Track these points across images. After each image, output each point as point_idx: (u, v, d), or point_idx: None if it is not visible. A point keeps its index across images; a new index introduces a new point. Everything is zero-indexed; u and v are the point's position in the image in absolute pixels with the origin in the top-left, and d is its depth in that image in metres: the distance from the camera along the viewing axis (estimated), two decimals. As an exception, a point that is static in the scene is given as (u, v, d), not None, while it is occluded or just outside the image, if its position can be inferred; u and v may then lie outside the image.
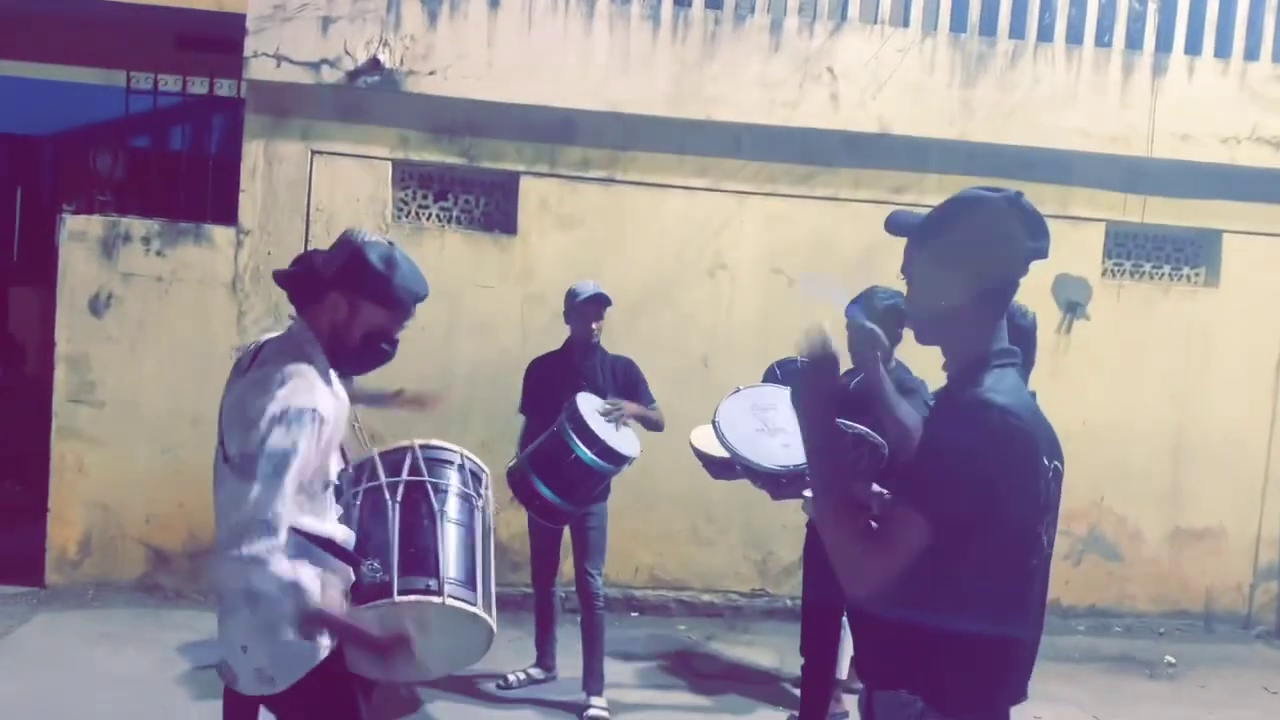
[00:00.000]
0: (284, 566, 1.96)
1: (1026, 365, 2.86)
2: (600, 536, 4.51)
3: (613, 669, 4.92)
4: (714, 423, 2.30)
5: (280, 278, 2.27)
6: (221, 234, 5.63)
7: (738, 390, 2.52)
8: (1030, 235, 1.92)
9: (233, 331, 5.62)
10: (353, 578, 2.19)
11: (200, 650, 4.78)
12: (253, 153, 5.62)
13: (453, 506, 2.38)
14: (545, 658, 4.71)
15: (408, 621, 2.23)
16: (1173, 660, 5.74)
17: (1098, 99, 5.93)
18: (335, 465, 2.17)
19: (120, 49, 6.19)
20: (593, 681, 4.48)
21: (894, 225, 2.03)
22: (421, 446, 2.45)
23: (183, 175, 5.94)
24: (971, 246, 1.90)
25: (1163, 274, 6.34)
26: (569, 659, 4.66)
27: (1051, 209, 6.00)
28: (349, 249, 2.16)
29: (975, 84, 5.86)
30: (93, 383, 5.58)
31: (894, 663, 1.96)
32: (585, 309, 4.43)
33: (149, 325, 5.60)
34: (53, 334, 5.62)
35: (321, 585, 2.07)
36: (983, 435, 1.83)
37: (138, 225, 5.61)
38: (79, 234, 5.57)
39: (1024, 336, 2.83)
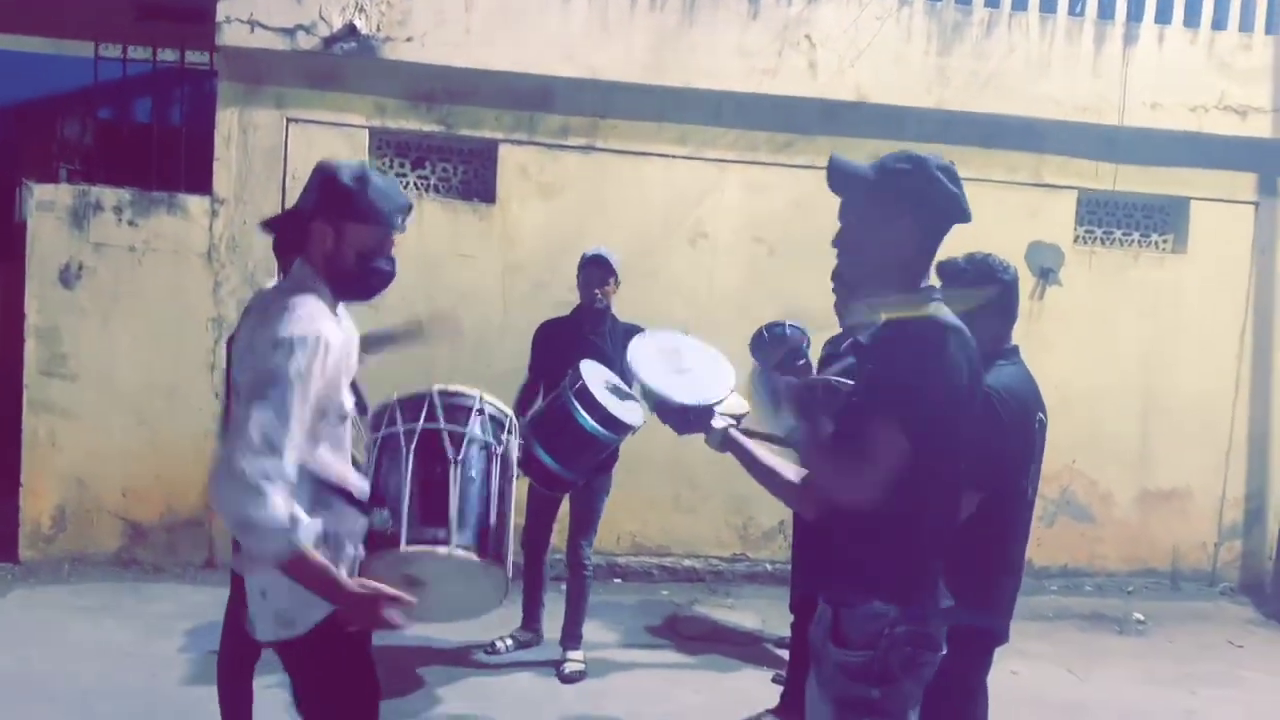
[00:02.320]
0: (283, 496, 1.91)
1: (1008, 318, 2.91)
2: (598, 510, 4.54)
3: (598, 632, 4.96)
4: (627, 361, 2.42)
5: (267, 225, 2.30)
6: (196, 203, 5.54)
7: (643, 333, 2.63)
8: (964, 196, 2.12)
9: (209, 302, 5.55)
10: (366, 528, 2.18)
11: (181, 622, 4.75)
12: (227, 120, 5.53)
13: (468, 455, 2.36)
14: (533, 621, 4.72)
15: (417, 575, 2.22)
16: (1141, 617, 5.89)
17: (1070, 68, 6.01)
18: (349, 398, 2.16)
19: (87, 20, 6.04)
20: (570, 639, 4.53)
21: (839, 174, 2.13)
22: (440, 392, 2.42)
23: (154, 145, 5.82)
24: (921, 199, 2.08)
25: (1132, 241, 6.46)
26: (553, 623, 4.68)
27: (1025, 176, 6.11)
28: (320, 176, 2.16)
29: (951, 52, 5.90)
30: (64, 355, 5.49)
31: (867, 578, 2.06)
32: (587, 273, 4.43)
33: (122, 296, 5.51)
34: (19, 307, 5.51)
35: (326, 538, 2.04)
36: (939, 345, 2.02)
37: (109, 194, 5.50)
38: (47, 203, 5.46)
39: (1006, 290, 2.89)
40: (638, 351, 2.48)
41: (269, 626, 2.10)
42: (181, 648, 4.46)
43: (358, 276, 2.19)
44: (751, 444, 2.29)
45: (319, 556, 1.99)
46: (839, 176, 2.13)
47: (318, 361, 1.99)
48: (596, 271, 4.41)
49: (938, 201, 2.08)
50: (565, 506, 4.64)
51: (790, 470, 2.26)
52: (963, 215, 2.12)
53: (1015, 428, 2.78)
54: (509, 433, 2.50)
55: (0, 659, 4.26)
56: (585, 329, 4.43)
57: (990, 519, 2.68)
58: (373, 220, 2.16)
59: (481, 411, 2.43)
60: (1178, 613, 6.06)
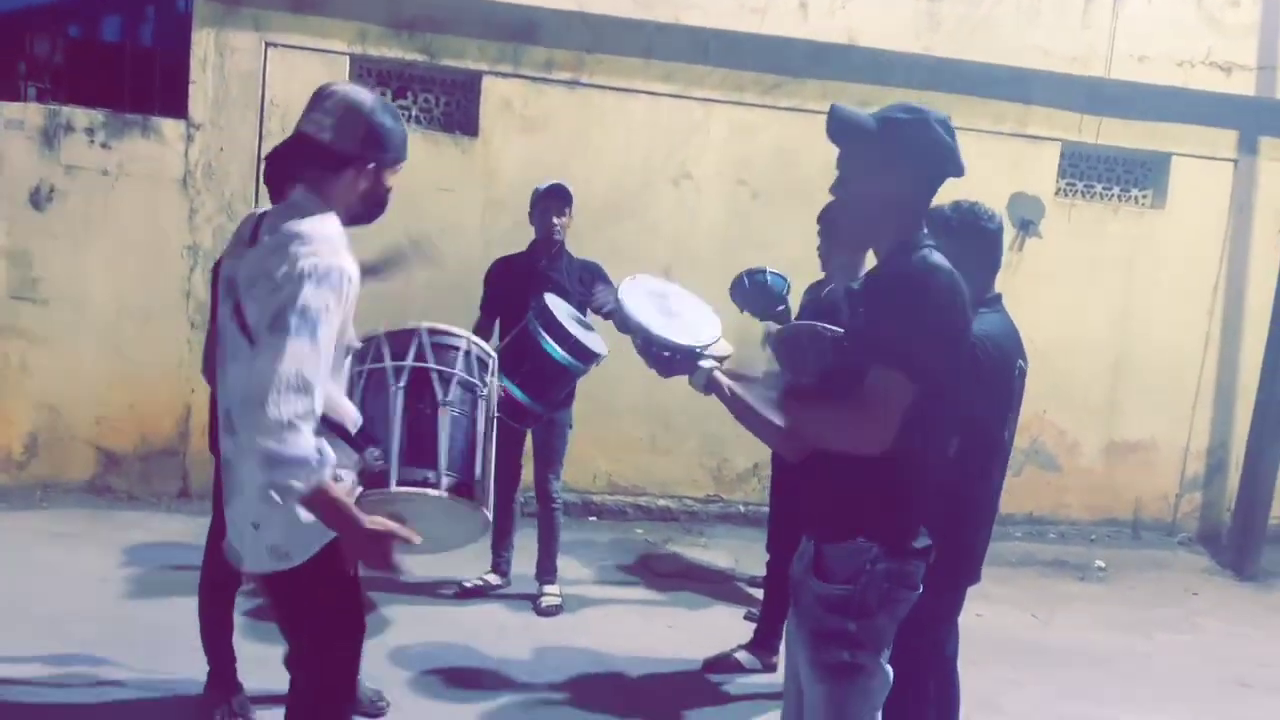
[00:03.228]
0: (313, 436, 1.90)
1: (992, 268, 2.93)
2: (562, 443, 4.55)
3: (573, 569, 5.03)
4: (619, 301, 2.43)
5: (286, 158, 2.18)
6: (171, 127, 5.42)
7: (633, 277, 2.65)
8: (958, 150, 2.15)
9: (184, 229, 5.46)
10: (357, 464, 2.17)
11: (156, 550, 4.75)
12: (203, 42, 5.39)
13: (456, 395, 2.37)
14: (501, 564, 4.74)
15: (402, 513, 2.23)
16: (1103, 564, 6.05)
17: (1060, 17, 5.98)
18: (352, 331, 2.14)
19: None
20: (545, 573, 4.58)
21: (840, 123, 2.12)
22: (429, 331, 2.41)
23: (127, 65, 5.66)
24: (920, 151, 2.11)
25: (1113, 195, 6.49)
26: (526, 559, 4.73)
27: (1010, 127, 6.10)
28: (363, 120, 2.10)
29: (943, -4, 5.85)
30: (35, 279, 5.39)
31: (851, 514, 2.11)
32: (545, 202, 4.39)
33: (95, 220, 5.40)
34: (-14, 230, 5.39)
35: (335, 471, 2.04)
36: (938, 289, 2.05)
37: (80, 115, 5.36)
38: (16, 122, 5.31)
39: (990, 239, 2.90)
40: (630, 293, 2.50)
41: (261, 559, 2.10)
42: (156, 574, 4.46)
43: (372, 207, 2.19)
44: (736, 386, 2.31)
45: (339, 491, 1.99)
46: (840, 125, 2.13)
47: (341, 295, 1.96)
48: (554, 202, 4.38)
49: (936, 153, 2.11)
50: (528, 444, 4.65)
51: (774, 413, 2.29)
52: (957, 169, 2.15)
53: (996, 375, 2.81)
54: (491, 374, 2.51)
55: (-25, 582, 4.26)
56: (541, 264, 4.41)
57: (968, 464, 2.72)
58: (400, 157, 2.18)
59: (468, 353, 2.44)
60: (1138, 561, 6.23)
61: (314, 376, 1.90)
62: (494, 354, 2.58)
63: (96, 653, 3.65)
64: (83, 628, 3.86)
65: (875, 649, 2.15)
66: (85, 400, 5.50)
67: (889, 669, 2.19)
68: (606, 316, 4.36)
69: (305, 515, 1.96)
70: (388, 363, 2.35)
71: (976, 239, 2.85)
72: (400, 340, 2.41)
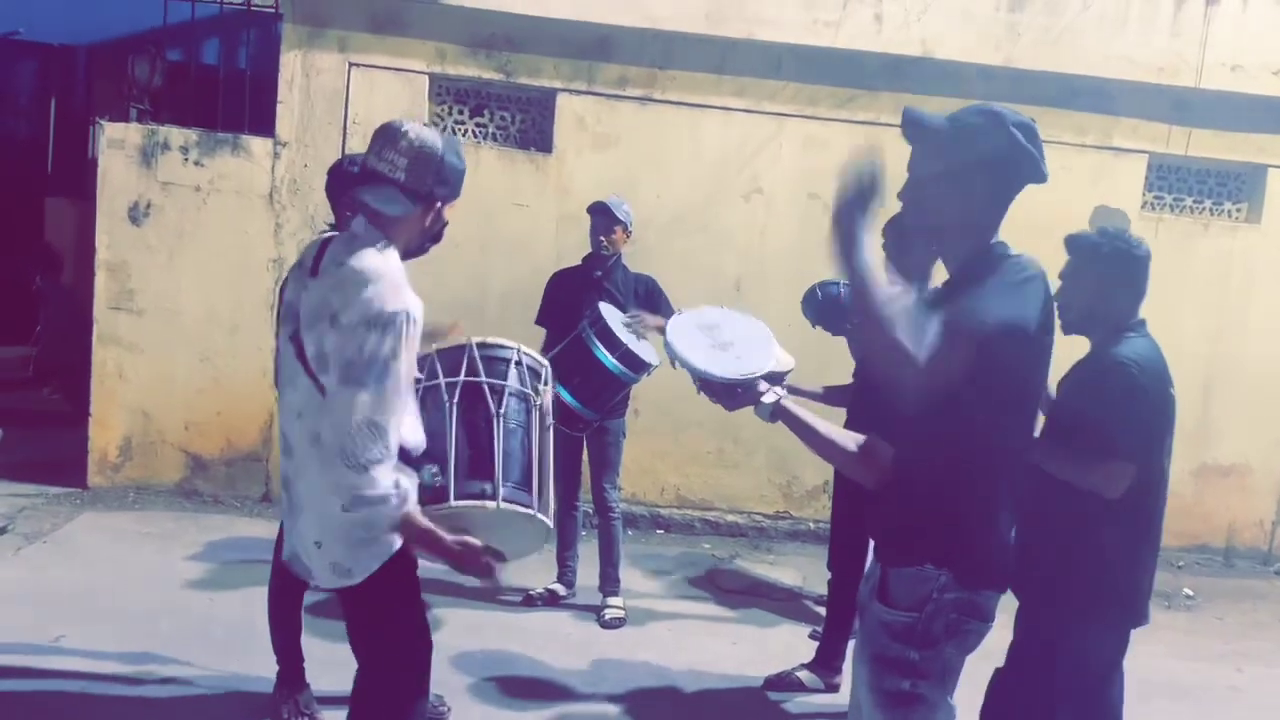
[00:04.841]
0: (391, 472, 2.01)
1: (1139, 294, 2.85)
2: (616, 452, 4.58)
3: (639, 582, 5.04)
4: (666, 343, 2.35)
5: (359, 193, 2.20)
6: (259, 145, 5.64)
7: (679, 312, 2.57)
8: (1041, 157, 2.05)
9: (270, 243, 5.67)
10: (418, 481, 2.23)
11: (237, 552, 4.92)
12: (290, 64, 5.60)
13: (510, 407, 2.41)
14: (567, 573, 4.78)
15: (465, 526, 2.28)
16: (1191, 593, 5.80)
17: (1147, 26, 5.80)
18: (414, 362, 2.20)
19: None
20: (608, 585, 4.60)
21: (912, 125, 2.06)
22: (478, 345, 2.46)
23: (220, 87, 5.93)
24: (994, 156, 2.01)
25: (1203, 208, 6.26)
26: (591, 570, 4.76)
27: (1094, 139, 5.93)
28: (434, 161, 2.16)
29: (1023, 7, 5.73)
30: (132, 290, 5.66)
31: (920, 540, 2.04)
32: (592, 221, 4.48)
33: (187, 234, 5.65)
34: (90, 244, 5.69)
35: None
36: (1022, 291, 1.95)
37: (176, 134, 5.63)
38: (117, 141, 5.60)
39: (1139, 265, 2.83)
40: (676, 331, 2.43)
41: (325, 575, 2.18)
42: (237, 575, 4.63)
43: (431, 240, 2.28)
44: (804, 412, 2.23)
45: (425, 520, 2.11)
46: (912, 127, 2.06)
47: (408, 338, 2.04)
48: (598, 219, 4.46)
49: (1012, 159, 2.01)
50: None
51: (846, 437, 2.23)
52: (1038, 175, 2.04)
53: (1159, 401, 2.73)
54: (544, 382, 2.54)
55: (70, 578, 4.48)
56: (596, 276, 4.47)
57: (1138, 494, 2.65)
58: (459, 193, 2.26)
59: (519, 363, 2.48)
60: (1229, 590, 5.96)
61: (386, 421, 2.01)
62: (546, 362, 2.61)
63: (174, 650, 3.80)
64: (164, 625, 4.02)
65: (938, 680, 2.06)
66: (176, 407, 5.74)
67: (953, 704, 2.11)
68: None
69: (364, 535, 2.07)
70: (441, 379, 2.40)
71: (1126, 265, 2.80)
72: (452, 357, 2.46)
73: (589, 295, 4.31)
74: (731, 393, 2.27)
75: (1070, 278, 2.84)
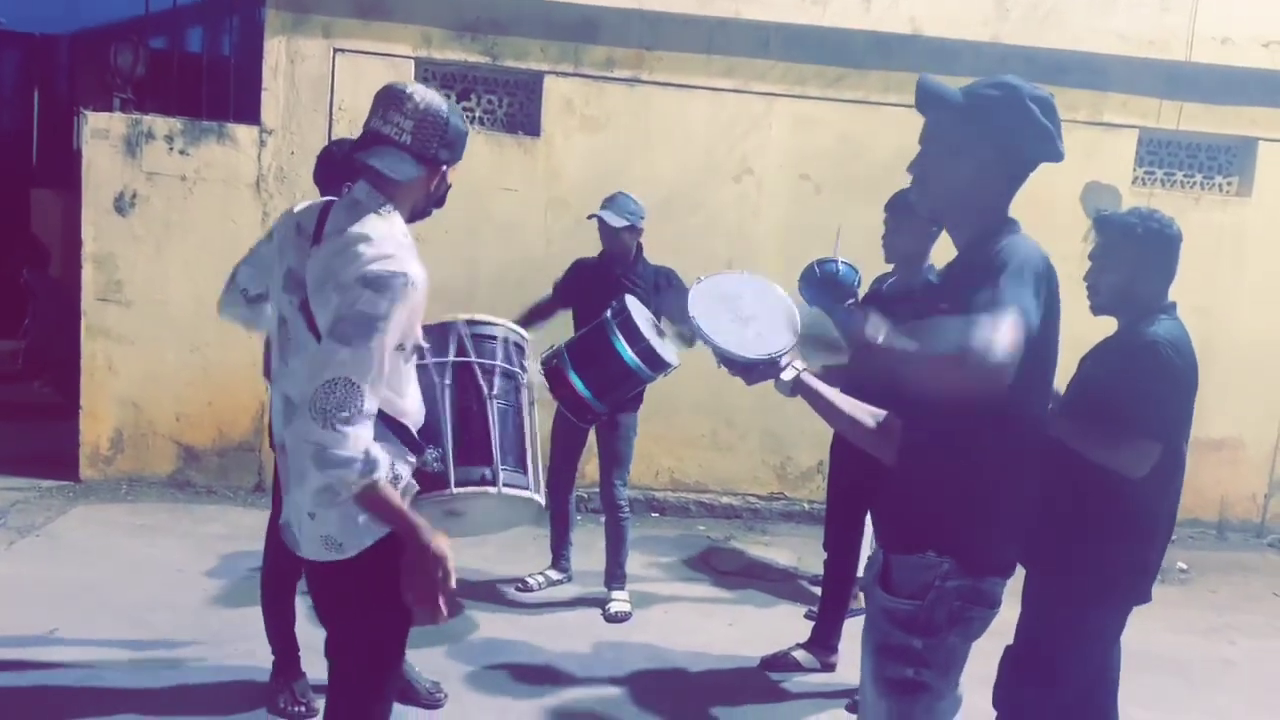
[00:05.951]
0: (364, 435, 1.94)
1: (1170, 275, 2.81)
2: (627, 447, 4.55)
3: (636, 564, 5.03)
4: (690, 318, 2.28)
5: (361, 157, 2.13)
6: (245, 133, 5.60)
7: (699, 281, 2.45)
8: (1058, 134, 1.99)
9: (258, 232, 5.61)
10: (416, 464, 2.20)
11: (231, 543, 4.91)
12: (274, 50, 5.55)
13: (500, 387, 2.40)
14: (561, 560, 4.79)
15: (463, 509, 2.26)
16: (1184, 566, 5.83)
17: (1137, 1, 5.77)
18: (419, 329, 2.16)
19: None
20: (614, 579, 4.59)
21: (926, 95, 2.01)
22: (467, 322, 2.44)
23: (204, 75, 5.87)
24: (1009, 131, 1.95)
25: (1194, 183, 6.25)
26: (589, 556, 4.76)
27: (1084, 115, 5.91)
28: (440, 124, 2.12)
29: (1011, -17, 5.70)
30: (120, 282, 5.62)
31: (924, 526, 2.01)
32: (599, 229, 4.44)
33: (174, 224, 5.61)
34: (76, 236, 5.64)
35: (393, 471, 2.08)
36: (1026, 268, 1.89)
37: (160, 123, 5.57)
38: (101, 131, 5.54)
39: (1173, 246, 2.79)
40: (699, 304, 2.31)
41: (315, 547, 2.15)
42: (231, 567, 4.62)
43: (433, 204, 2.25)
44: (825, 387, 2.20)
45: (393, 492, 2.03)
46: (926, 97, 2.00)
47: (404, 302, 1.99)
48: (601, 230, 4.43)
49: (1027, 134, 1.95)
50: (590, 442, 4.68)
51: (865, 413, 2.20)
52: (1054, 153, 1.97)
53: (1186, 380, 2.72)
54: (528, 358, 2.54)
55: (64, 571, 4.46)
56: (616, 270, 4.44)
57: (1155, 474, 2.63)
58: (460, 157, 2.22)
59: (506, 340, 2.46)
60: (1222, 563, 5.99)
61: (363, 382, 1.94)
62: (527, 335, 2.60)
63: (172, 640, 3.80)
64: (160, 616, 4.02)
65: (942, 668, 2.03)
66: (166, 398, 5.71)
67: (960, 691, 2.10)
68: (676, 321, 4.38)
69: (359, 512, 2.01)
70: (429, 359, 2.38)
71: (1161, 246, 2.75)
72: (438, 335, 2.43)
73: (611, 288, 4.23)
74: (750, 369, 2.23)
75: (1101, 259, 2.79)
